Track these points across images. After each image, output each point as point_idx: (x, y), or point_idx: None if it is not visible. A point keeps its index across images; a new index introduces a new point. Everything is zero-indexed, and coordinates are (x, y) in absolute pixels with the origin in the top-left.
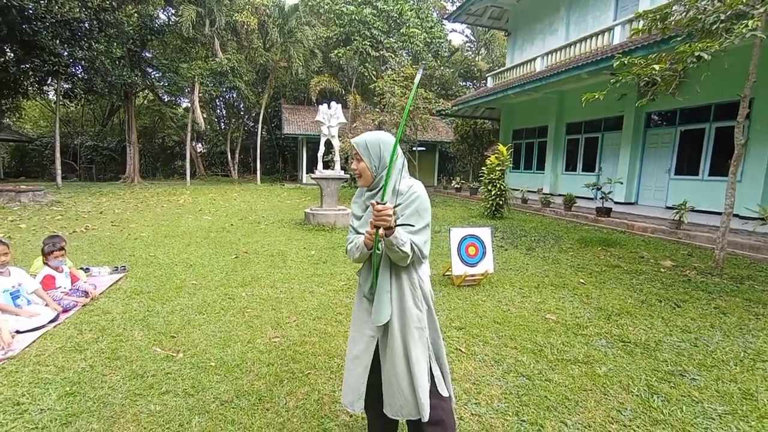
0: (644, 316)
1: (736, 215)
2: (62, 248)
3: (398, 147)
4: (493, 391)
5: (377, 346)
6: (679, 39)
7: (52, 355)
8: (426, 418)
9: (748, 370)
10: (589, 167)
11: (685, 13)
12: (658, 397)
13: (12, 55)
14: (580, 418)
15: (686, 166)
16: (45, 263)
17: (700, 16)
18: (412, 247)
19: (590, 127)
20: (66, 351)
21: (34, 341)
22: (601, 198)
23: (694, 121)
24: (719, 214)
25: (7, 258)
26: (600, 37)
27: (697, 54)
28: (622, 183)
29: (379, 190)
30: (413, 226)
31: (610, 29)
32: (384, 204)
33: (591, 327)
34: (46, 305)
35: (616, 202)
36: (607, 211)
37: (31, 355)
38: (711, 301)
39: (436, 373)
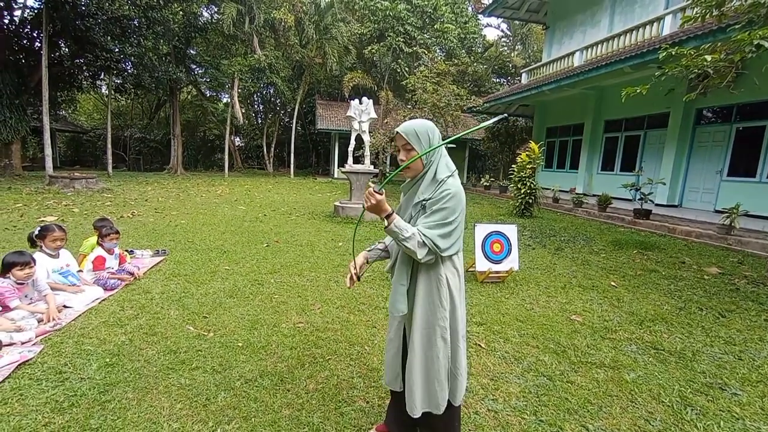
0: (682, 324)
1: None
2: (118, 231)
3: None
4: (511, 388)
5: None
6: (737, 27)
7: (96, 328)
8: (440, 411)
9: None
10: (627, 167)
11: None
12: (692, 410)
13: (66, 50)
14: (602, 423)
15: (742, 166)
16: (99, 244)
17: (763, 1)
18: (423, 242)
19: (631, 125)
20: (108, 325)
21: (79, 315)
22: (639, 199)
23: (752, 118)
24: None
25: (63, 243)
26: (648, 27)
27: (756, 42)
28: (665, 184)
29: (419, 178)
30: (433, 219)
31: (659, 19)
32: (379, 192)
33: (620, 331)
34: (97, 282)
35: (657, 204)
36: (646, 213)
37: (76, 328)
38: (761, 313)
39: (458, 376)
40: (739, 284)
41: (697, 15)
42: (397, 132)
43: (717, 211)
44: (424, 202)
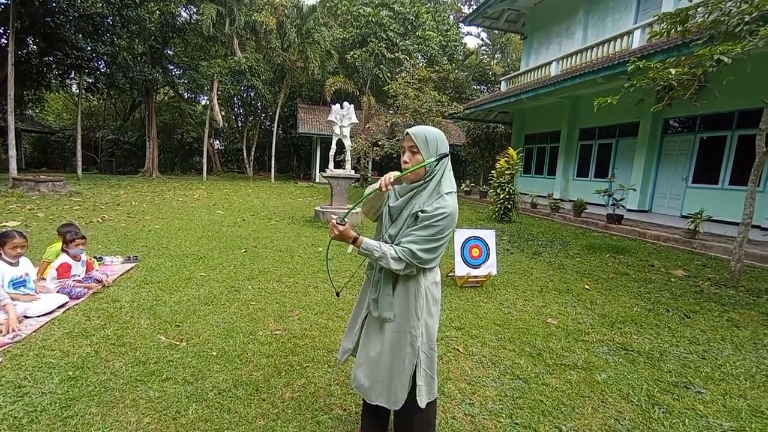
0: (650, 326)
1: (756, 226)
2: (84, 237)
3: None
4: (488, 392)
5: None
6: (699, 43)
7: (59, 340)
8: (396, 407)
9: (760, 387)
10: (601, 173)
11: (707, 15)
12: (659, 409)
13: (35, 47)
14: (575, 424)
15: (705, 174)
16: (64, 251)
17: (723, 18)
18: (400, 257)
19: (604, 133)
20: (72, 336)
21: (41, 326)
22: (612, 205)
23: (715, 128)
24: (738, 224)
25: (23, 251)
26: (618, 41)
27: (716, 57)
28: (635, 190)
29: (419, 186)
30: (422, 234)
31: (629, 33)
32: (341, 224)
33: (593, 333)
34: (62, 290)
35: (628, 210)
36: (618, 218)
37: (37, 339)
38: (724, 313)
39: (419, 382)
40: (703, 286)
41: (663, 30)
42: (407, 132)
43: (683, 216)
44: (419, 213)
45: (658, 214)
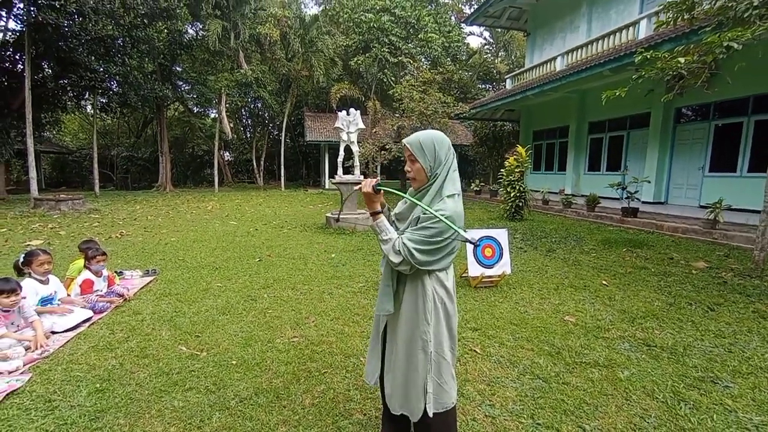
0: (672, 320)
1: None
2: (104, 253)
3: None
4: (507, 392)
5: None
6: (708, 30)
7: (85, 354)
8: (415, 419)
9: None
10: (613, 167)
11: (714, 2)
12: (685, 405)
13: (50, 71)
14: (599, 423)
15: (722, 162)
16: (86, 267)
17: (731, 4)
18: (399, 251)
19: (614, 126)
20: (98, 350)
21: (68, 341)
22: (626, 198)
23: (730, 115)
24: (759, 212)
25: (49, 267)
26: (624, 32)
27: (726, 44)
28: (649, 182)
29: (423, 190)
30: (418, 234)
31: (635, 23)
32: (376, 189)
33: (613, 330)
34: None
35: (643, 202)
36: (633, 212)
37: (64, 354)
38: (749, 305)
39: (429, 389)
40: (727, 277)
41: (670, 19)
42: (403, 142)
43: (701, 207)
44: (420, 215)
45: (675, 205)
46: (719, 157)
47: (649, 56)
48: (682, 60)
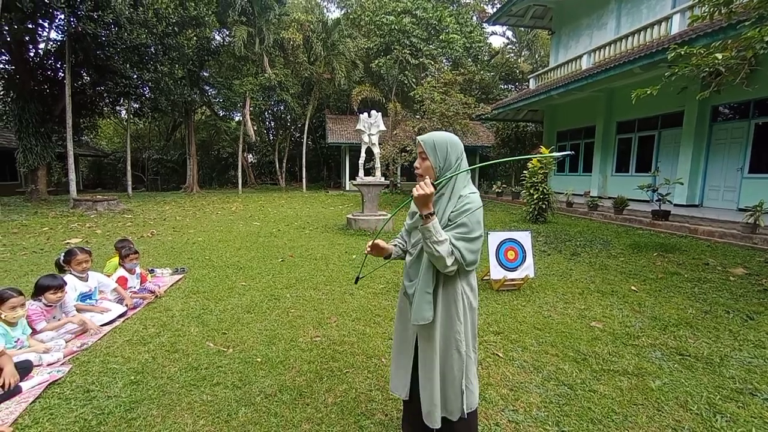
0: (708, 328)
1: None
2: (137, 252)
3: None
4: (531, 398)
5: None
6: (747, 24)
7: (120, 347)
8: (454, 418)
9: None
10: (643, 168)
11: None
12: (722, 417)
13: (88, 78)
14: None
15: (763, 162)
16: (121, 264)
17: None
18: (452, 251)
19: (645, 125)
20: (132, 344)
21: (105, 334)
22: (657, 200)
23: None
24: None
25: (88, 265)
26: (656, 27)
27: (767, 39)
28: (682, 183)
29: (437, 196)
30: (458, 231)
31: (667, 18)
32: (434, 185)
33: (643, 337)
34: (120, 301)
35: (676, 205)
36: (664, 214)
37: (101, 347)
38: None
39: (465, 387)
40: (767, 285)
41: (705, 13)
42: (417, 139)
43: (740, 210)
44: (450, 215)
45: (710, 208)
46: (760, 157)
47: (683, 52)
48: (719, 56)
